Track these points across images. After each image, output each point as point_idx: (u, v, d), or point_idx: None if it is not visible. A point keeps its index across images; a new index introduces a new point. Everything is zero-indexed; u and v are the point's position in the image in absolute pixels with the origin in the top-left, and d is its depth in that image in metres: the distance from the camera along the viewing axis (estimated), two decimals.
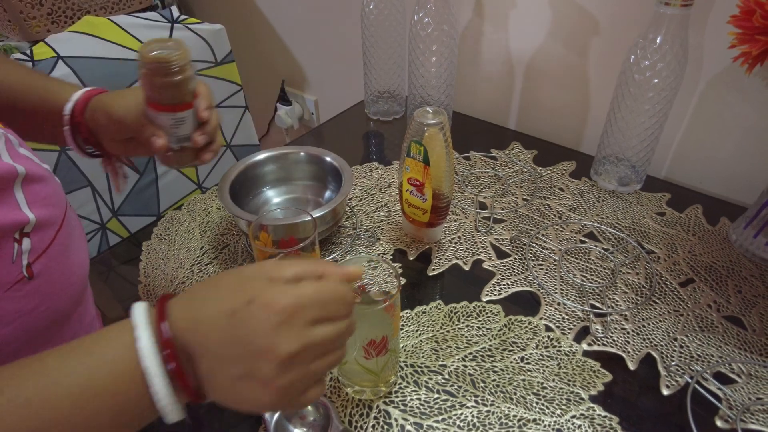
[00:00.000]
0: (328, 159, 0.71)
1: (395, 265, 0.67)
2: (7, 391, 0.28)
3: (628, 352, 0.55)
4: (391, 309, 0.45)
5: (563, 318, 0.59)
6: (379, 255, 0.68)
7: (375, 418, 0.50)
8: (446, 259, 0.67)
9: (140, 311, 0.32)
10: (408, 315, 0.60)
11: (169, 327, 0.31)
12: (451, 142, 0.61)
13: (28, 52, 0.78)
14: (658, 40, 0.63)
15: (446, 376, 0.53)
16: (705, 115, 0.76)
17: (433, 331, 0.58)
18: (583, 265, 0.66)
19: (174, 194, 0.97)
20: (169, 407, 0.31)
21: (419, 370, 0.54)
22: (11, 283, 0.39)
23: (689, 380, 0.52)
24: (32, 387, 0.29)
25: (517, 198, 0.77)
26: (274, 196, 0.73)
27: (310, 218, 0.53)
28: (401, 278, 0.65)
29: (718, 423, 0.49)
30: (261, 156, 0.71)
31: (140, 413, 0.31)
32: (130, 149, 0.53)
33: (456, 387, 0.52)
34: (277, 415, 0.48)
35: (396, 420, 0.50)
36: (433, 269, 0.66)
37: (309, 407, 0.48)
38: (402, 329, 0.58)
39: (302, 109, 1.34)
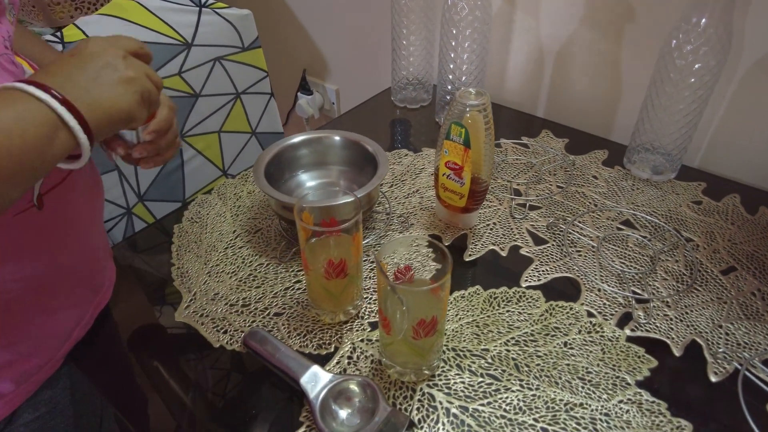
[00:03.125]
0: (362, 143, 0.70)
1: (430, 250, 0.66)
2: None
3: (672, 338, 0.55)
4: (437, 291, 0.44)
5: (604, 304, 0.58)
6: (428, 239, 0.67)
7: (419, 400, 0.49)
8: (482, 244, 0.67)
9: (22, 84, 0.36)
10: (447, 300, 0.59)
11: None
12: (493, 124, 0.60)
13: (58, 34, 0.78)
14: (702, 23, 0.62)
15: (489, 360, 0.53)
16: (743, 102, 0.74)
17: (473, 315, 0.57)
18: (621, 251, 0.65)
19: (199, 180, 0.96)
20: (80, 133, 0.36)
21: (461, 354, 0.53)
22: (21, 209, 0.41)
23: (738, 367, 0.51)
24: None
25: (551, 185, 0.76)
26: (307, 180, 0.73)
27: (352, 199, 0.52)
28: (437, 263, 0.64)
29: None
30: (296, 139, 0.70)
31: (56, 142, 0.36)
32: None
33: (500, 371, 0.52)
34: (322, 395, 0.47)
35: (441, 403, 0.49)
36: (470, 255, 0.65)
37: (356, 389, 0.48)
38: None
39: (323, 98, 1.33)
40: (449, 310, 0.58)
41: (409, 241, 0.48)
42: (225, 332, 0.57)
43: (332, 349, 0.54)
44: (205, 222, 0.72)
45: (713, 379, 0.51)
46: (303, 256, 0.52)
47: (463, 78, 0.83)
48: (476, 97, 0.58)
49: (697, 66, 0.64)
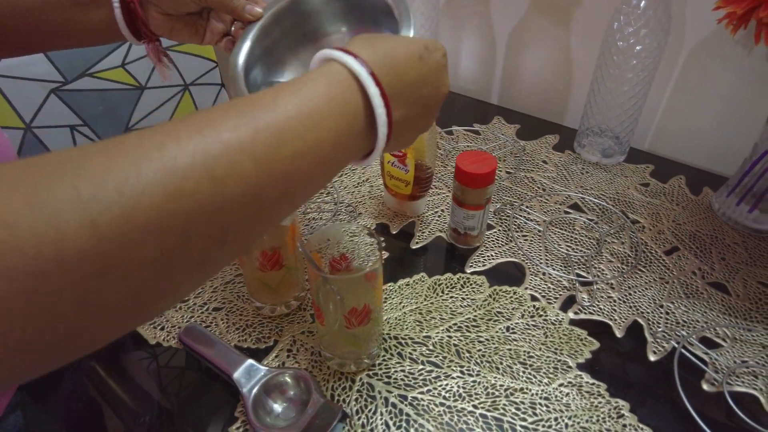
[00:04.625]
0: None
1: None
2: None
3: (615, 320, 0.55)
4: (372, 278, 0.43)
5: (549, 288, 0.58)
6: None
7: (358, 390, 0.48)
8: (430, 231, 0.66)
9: (332, 52, 0.31)
10: (391, 288, 0.58)
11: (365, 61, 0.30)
12: None
13: None
14: (641, 5, 0.62)
15: (431, 347, 0.52)
16: (687, 85, 0.75)
17: (416, 303, 0.56)
18: (568, 235, 0.65)
19: None
20: (382, 129, 0.31)
21: (403, 341, 0.53)
22: None
23: (676, 345, 0.52)
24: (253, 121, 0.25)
25: (500, 171, 0.75)
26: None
27: None
28: (384, 251, 0.63)
29: (705, 386, 0.49)
30: (268, 16, 0.47)
31: (355, 135, 0.30)
32: (177, 31, 0.49)
33: (441, 358, 0.51)
34: (255, 390, 0.46)
35: (380, 392, 0.48)
36: (417, 242, 0.64)
37: (290, 381, 0.47)
38: (385, 302, 0.57)
39: None
40: (393, 299, 0.57)
41: (339, 229, 0.47)
42: (162, 329, 0.55)
43: (272, 343, 0.53)
44: None
45: (652, 358, 0.51)
46: None
47: None
48: None
49: (638, 48, 0.64)
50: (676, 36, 0.72)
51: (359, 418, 0.46)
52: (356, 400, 0.48)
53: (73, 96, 0.81)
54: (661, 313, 0.55)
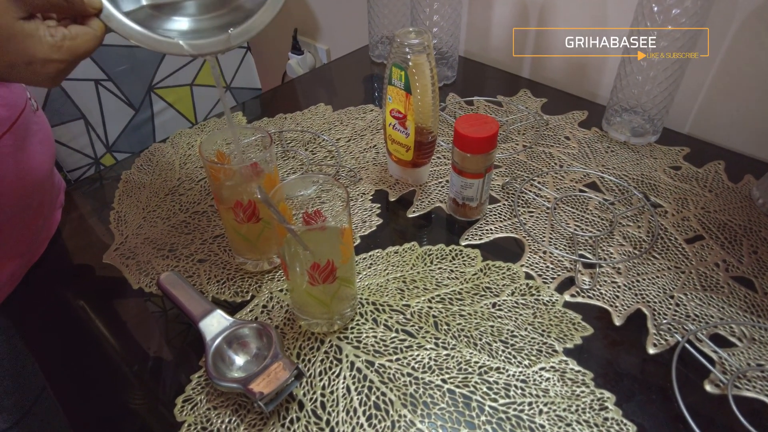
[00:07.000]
0: None
1: (375, 205, 0.62)
2: None
3: (616, 306, 0.50)
4: (337, 232, 0.41)
5: (547, 267, 0.54)
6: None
7: (325, 352, 0.47)
8: (429, 201, 0.63)
9: None
10: (378, 255, 0.56)
11: None
12: (436, 69, 0.55)
13: None
14: None
15: (408, 316, 0.49)
16: (737, 59, 0.67)
17: (402, 271, 0.54)
18: (578, 215, 0.60)
19: (170, 132, 0.95)
20: None
21: (380, 308, 0.50)
22: None
23: (680, 339, 0.46)
24: None
25: (517, 145, 0.71)
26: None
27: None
28: (378, 218, 0.60)
29: (707, 387, 0.43)
30: None
31: None
32: None
33: (417, 328, 0.48)
34: (218, 340, 0.45)
35: (347, 356, 0.46)
36: (414, 211, 0.61)
37: (253, 335, 0.45)
38: (369, 268, 0.54)
39: (314, 58, 1.30)
40: (378, 265, 0.54)
41: (308, 180, 0.44)
42: (146, 275, 0.55)
43: (249, 298, 0.52)
44: (153, 169, 0.70)
45: (651, 351, 0.46)
46: (215, 196, 0.50)
47: (435, 29, 0.78)
48: (416, 35, 0.54)
49: (675, 12, 0.58)
50: (726, 3, 0.64)
51: (321, 380, 0.44)
52: (322, 361, 0.46)
53: (99, 51, 0.83)
54: (671, 304, 0.50)
